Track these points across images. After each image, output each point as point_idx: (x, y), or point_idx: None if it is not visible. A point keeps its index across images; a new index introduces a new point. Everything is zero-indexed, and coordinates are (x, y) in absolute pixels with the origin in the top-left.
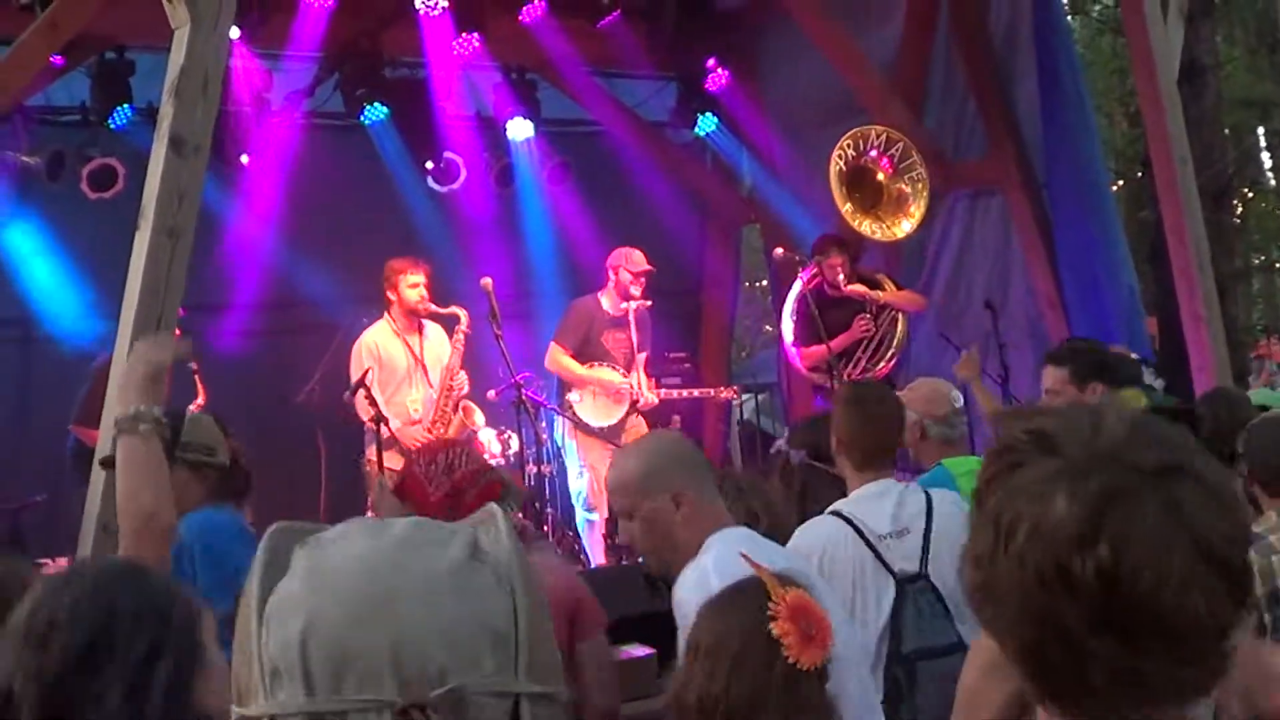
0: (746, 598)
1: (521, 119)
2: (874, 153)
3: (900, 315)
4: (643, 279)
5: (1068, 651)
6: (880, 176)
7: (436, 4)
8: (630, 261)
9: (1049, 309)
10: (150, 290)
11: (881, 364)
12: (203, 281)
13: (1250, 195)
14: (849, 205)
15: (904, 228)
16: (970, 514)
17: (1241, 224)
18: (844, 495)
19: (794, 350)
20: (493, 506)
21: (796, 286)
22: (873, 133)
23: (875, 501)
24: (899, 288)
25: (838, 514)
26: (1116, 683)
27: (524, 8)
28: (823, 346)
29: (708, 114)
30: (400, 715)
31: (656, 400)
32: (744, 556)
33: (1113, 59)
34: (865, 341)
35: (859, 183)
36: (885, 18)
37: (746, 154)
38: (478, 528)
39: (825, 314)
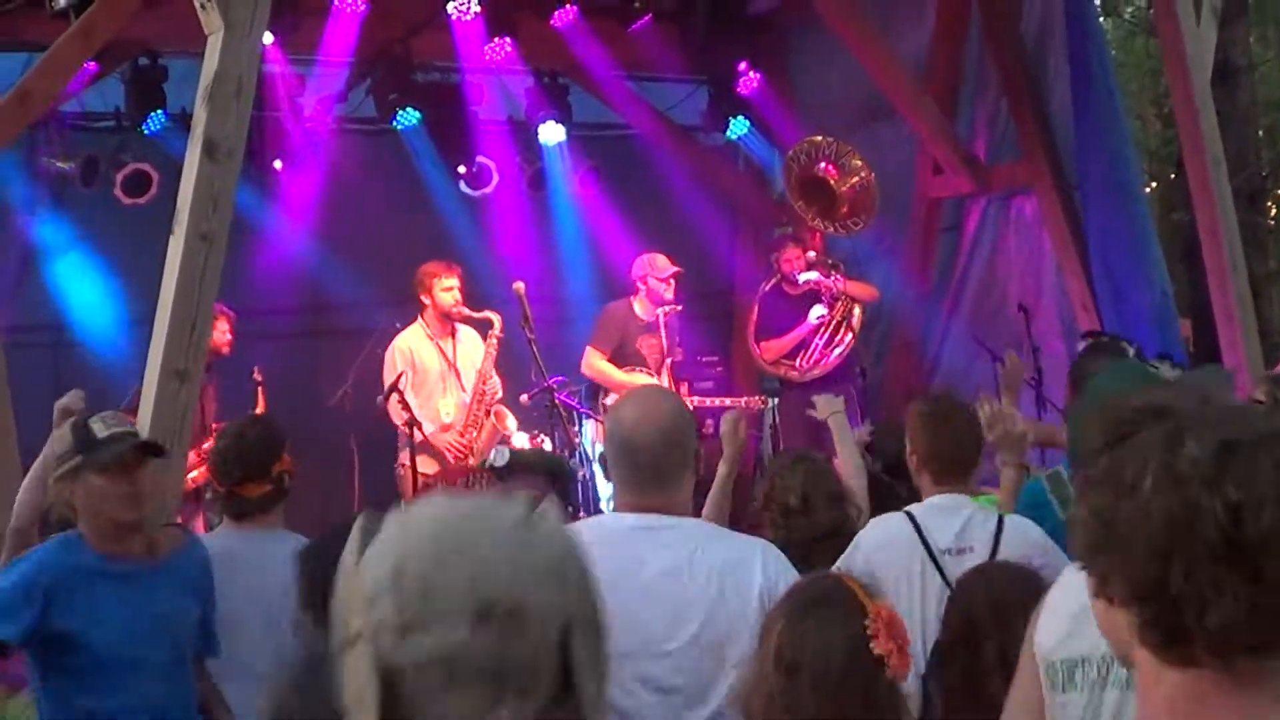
0: (836, 610)
1: (553, 123)
2: (823, 164)
3: (856, 304)
4: (672, 280)
5: (1192, 584)
6: (831, 183)
7: (468, 8)
8: (655, 268)
9: (1082, 311)
10: (184, 295)
11: (836, 352)
12: (236, 286)
13: None
14: (810, 210)
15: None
16: (1076, 484)
17: (1275, 225)
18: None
19: (755, 349)
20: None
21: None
22: (822, 142)
23: (943, 514)
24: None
25: (909, 514)
26: (1234, 616)
27: (556, 12)
28: (778, 340)
29: (739, 117)
30: (476, 622)
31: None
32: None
33: (1146, 60)
34: (821, 329)
35: (816, 191)
36: (917, 20)
37: (779, 157)
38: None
39: (784, 308)
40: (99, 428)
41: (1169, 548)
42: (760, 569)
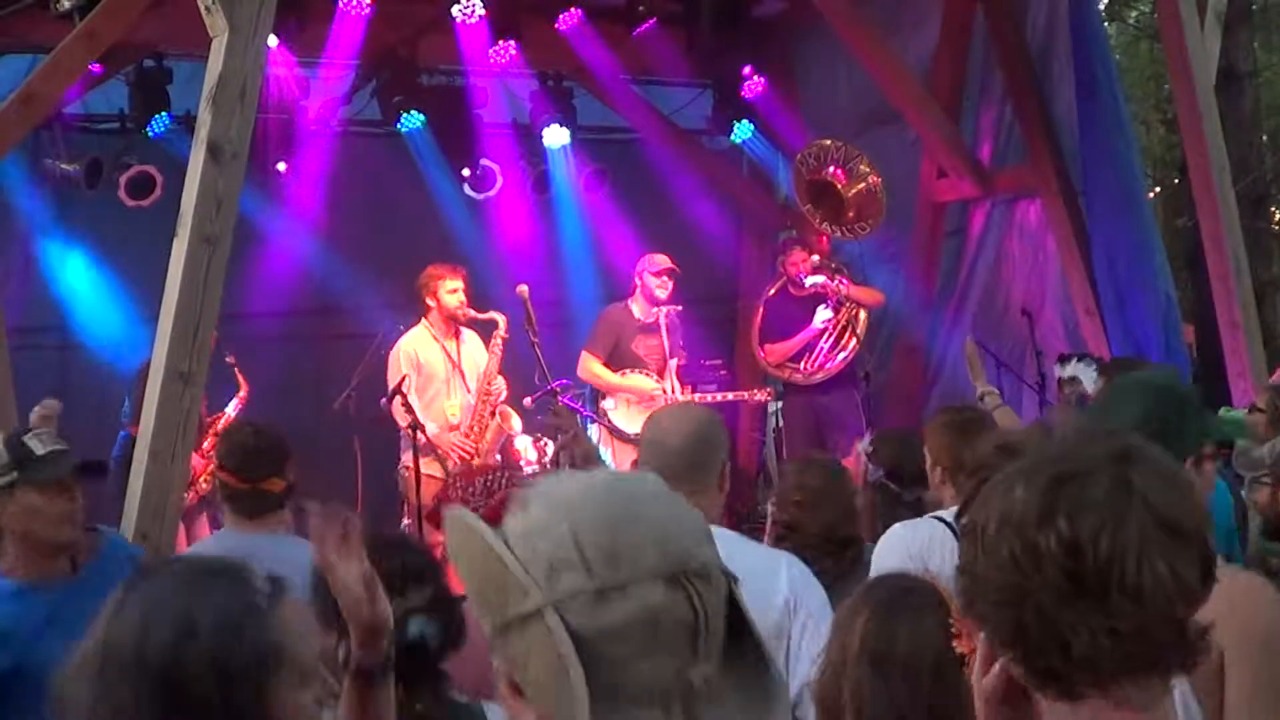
0: (923, 605)
1: (558, 126)
2: (831, 168)
3: (861, 308)
4: (667, 277)
5: (1047, 625)
6: (839, 187)
7: (473, 12)
8: (650, 263)
9: (1086, 316)
10: (188, 297)
11: (840, 356)
12: (240, 288)
13: None
14: (817, 213)
15: (866, 229)
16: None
17: (1279, 230)
18: (912, 515)
19: (759, 352)
20: None
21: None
22: (831, 145)
23: None
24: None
25: (941, 519)
26: (1096, 648)
27: (560, 15)
28: (783, 343)
29: (744, 121)
30: (669, 583)
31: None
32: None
33: (1150, 65)
34: (826, 333)
35: (824, 195)
36: (921, 24)
37: (782, 161)
38: None
39: (789, 312)
40: (36, 445)
41: (1018, 593)
42: (786, 580)
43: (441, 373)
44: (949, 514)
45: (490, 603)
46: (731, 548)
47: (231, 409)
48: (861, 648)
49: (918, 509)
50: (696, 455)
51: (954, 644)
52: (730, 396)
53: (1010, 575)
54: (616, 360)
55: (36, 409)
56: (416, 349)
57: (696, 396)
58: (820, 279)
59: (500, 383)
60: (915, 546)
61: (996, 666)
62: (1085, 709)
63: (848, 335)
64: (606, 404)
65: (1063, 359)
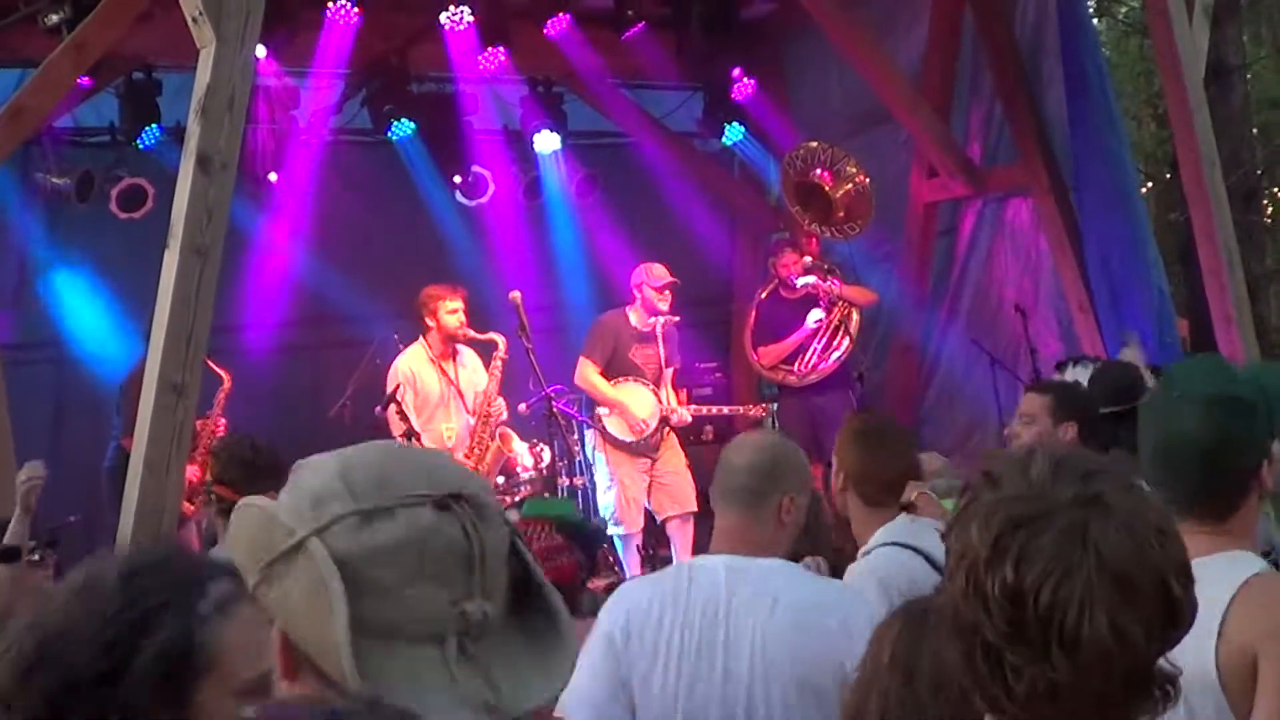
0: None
1: (548, 131)
2: (818, 170)
3: (854, 309)
4: (668, 291)
5: (990, 662)
6: (827, 189)
7: (461, 19)
8: (651, 276)
9: (1079, 312)
10: (180, 308)
11: (834, 356)
12: (232, 299)
13: None
14: (807, 215)
15: (856, 229)
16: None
17: (1271, 224)
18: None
19: (752, 354)
20: None
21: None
22: (818, 147)
23: (927, 533)
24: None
25: (904, 545)
26: (1035, 693)
27: (549, 20)
28: (777, 345)
29: (734, 123)
30: (439, 506)
31: (690, 419)
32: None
33: (1139, 61)
34: (819, 333)
35: (812, 196)
36: (910, 25)
37: (774, 162)
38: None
39: (782, 314)
40: None
41: (970, 628)
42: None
43: (437, 394)
44: (901, 537)
45: (255, 557)
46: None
47: (216, 407)
48: (892, 660)
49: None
50: (752, 482)
51: None
52: (726, 410)
53: (964, 609)
54: (613, 368)
55: (24, 470)
56: (413, 369)
57: (692, 408)
58: (812, 280)
59: (500, 404)
60: (892, 579)
61: None
62: None
63: (840, 336)
64: (601, 411)
65: (1059, 365)
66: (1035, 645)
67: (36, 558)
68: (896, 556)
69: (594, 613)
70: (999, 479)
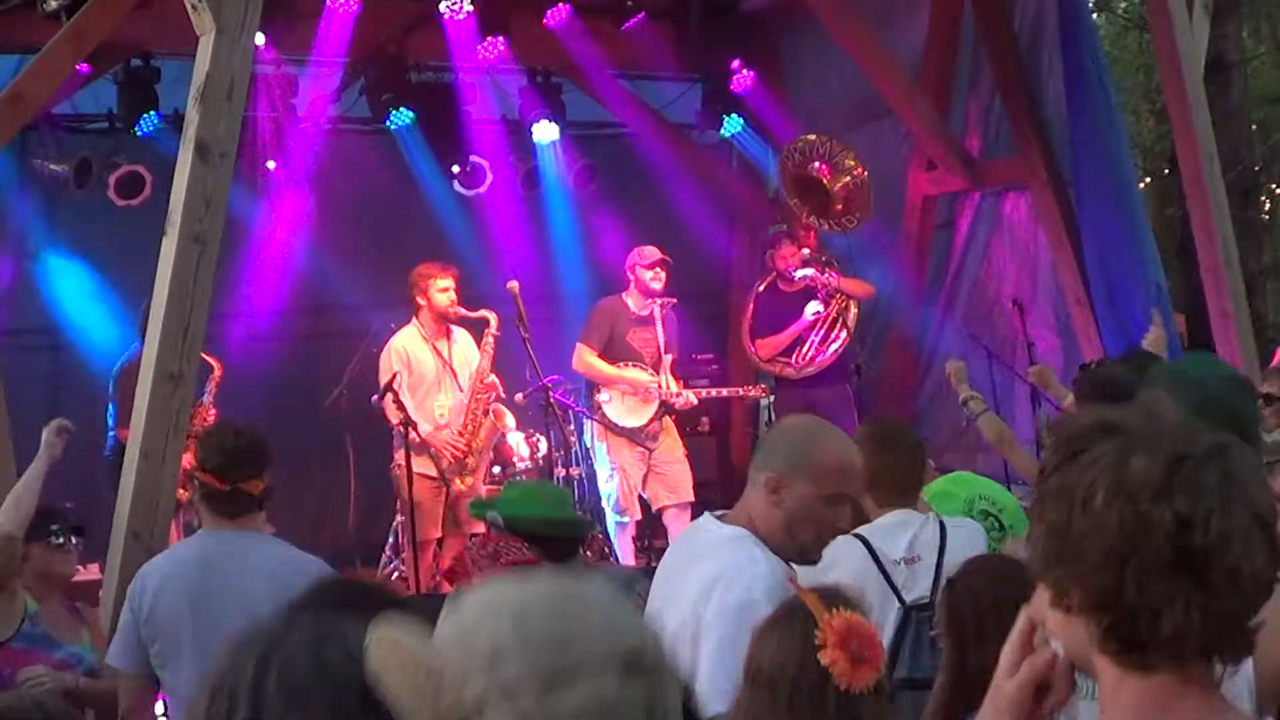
0: (797, 621)
1: (547, 122)
2: (816, 163)
3: (851, 301)
4: (659, 269)
5: (1144, 593)
6: (824, 182)
7: (461, 8)
8: (641, 256)
9: (1076, 307)
10: (178, 296)
11: (831, 348)
12: (230, 287)
13: (1278, 191)
14: (805, 207)
15: (854, 222)
16: (1032, 500)
17: (1269, 220)
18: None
19: (750, 346)
20: None
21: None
22: (816, 140)
23: (894, 529)
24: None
25: (857, 535)
26: (1186, 625)
27: (548, 11)
28: (774, 337)
29: (733, 115)
30: (624, 673)
31: (695, 400)
32: (791, 581)
33: (1138, 56)
34: (816, 326)
35: (810, 189)
36: (910, 18)
37: (772, 154)
38: None
39: (779, 306)
40: None
41: (1122, 559)
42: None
43: (432, 372)
44: (864, 528)
45: (423, 705)
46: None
47: (207, 396)
48: (747, 668)
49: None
50: (762, 449)
51: (818, 656)
52: (725, 393)
53: (1116, 540)
54: (611, 353)
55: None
56: (407, 348)
57: (690, 392)
58: (810, 271)
59: (493, 381)
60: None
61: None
62: (1156, 682)
63: (838, 328)
64: (601, 397)
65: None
66: (1196, 573)
67: (59, 541)
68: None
69: None
70: (1120, 426)
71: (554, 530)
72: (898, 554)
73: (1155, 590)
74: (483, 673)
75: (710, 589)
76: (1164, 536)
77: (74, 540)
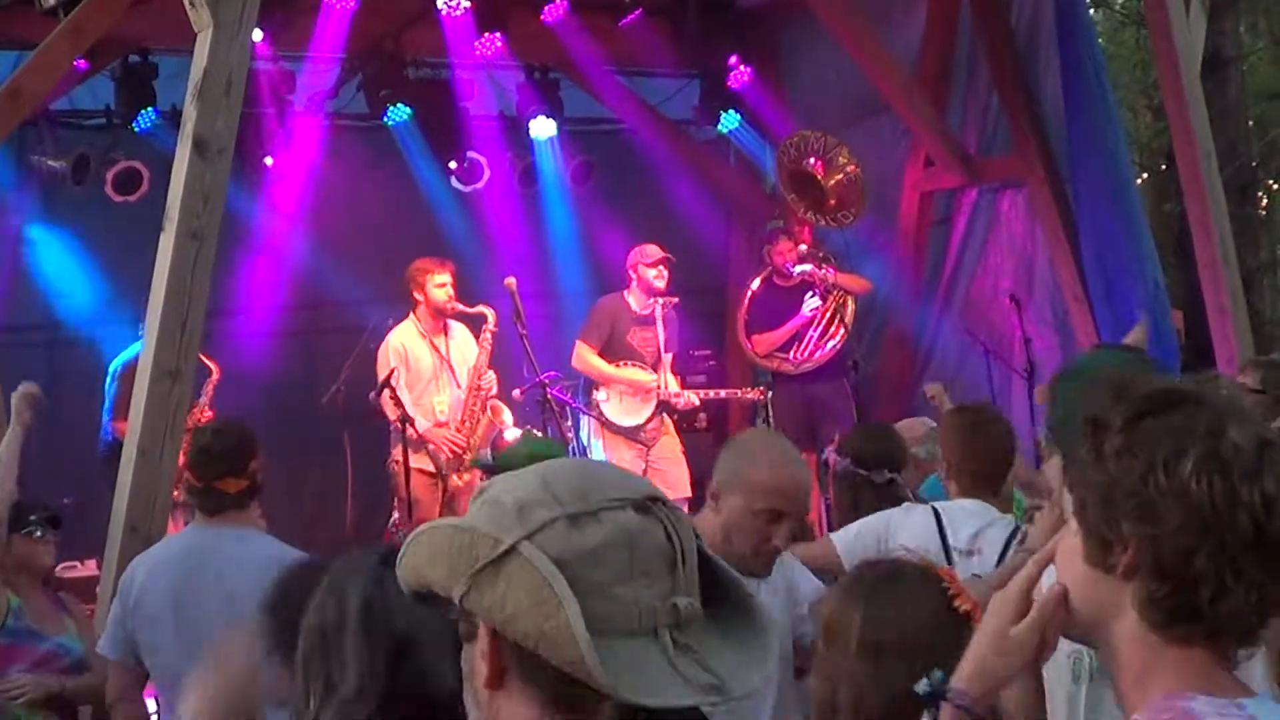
0: (916, 584)
1: (544, 118)
2: (811, 159)
3: (848, 297)
4: (663, 267)
5: (1215, 565)
6: (819, 178)
7: (458, 4)
8: (644, 254)
9: (1074, 303)
10: (175, 292)
11: (830, 344)
12: (227, 283)
13: (1275, 188)
14: (801, 202)
15: (849, 217)
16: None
17: (1266, 217)
18: (888, 500)
19: (746, 343)
20: None
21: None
22: (811, 136)
23: (966, 515)
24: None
25: (933, 507)
26: (1244, 604)
27: (546, 7)
28: (772, 333)
29: (731, 111)
30: (640, 509)
31: (698, 401)
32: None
33: (1136, 52)
34: (815, 321)
35: (806, 185)
36: (907, 15)
37: (770, 151)
38: None
39: (775, 302)
40: None
41: (1203, 531)
42: None
43: (429, 368)
44: (945, 505)
45: (458, 570)
46: None
47: (203, 399)
48: (860, 644)
49: (891, 490)
50: (716, 467)
51: (956, 603)
52: (723, 394)
53: (1198, 511)
54: (611, 351)
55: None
56: (405, 344)
57: (691, 393)
58: (808, 267)
59: (491, 377)
60: (882, 528)
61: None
62: (1195, 655)
63: (836, 324)
64: (599, 395)
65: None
66: (1270, 558)
67: (38, 533)
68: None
69: None
70: (1192, 394)
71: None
72: (961, 543)
73: (1226, 567)
74: (513, 522)
75: None
76: (1249, 516)
77: (52, 531)
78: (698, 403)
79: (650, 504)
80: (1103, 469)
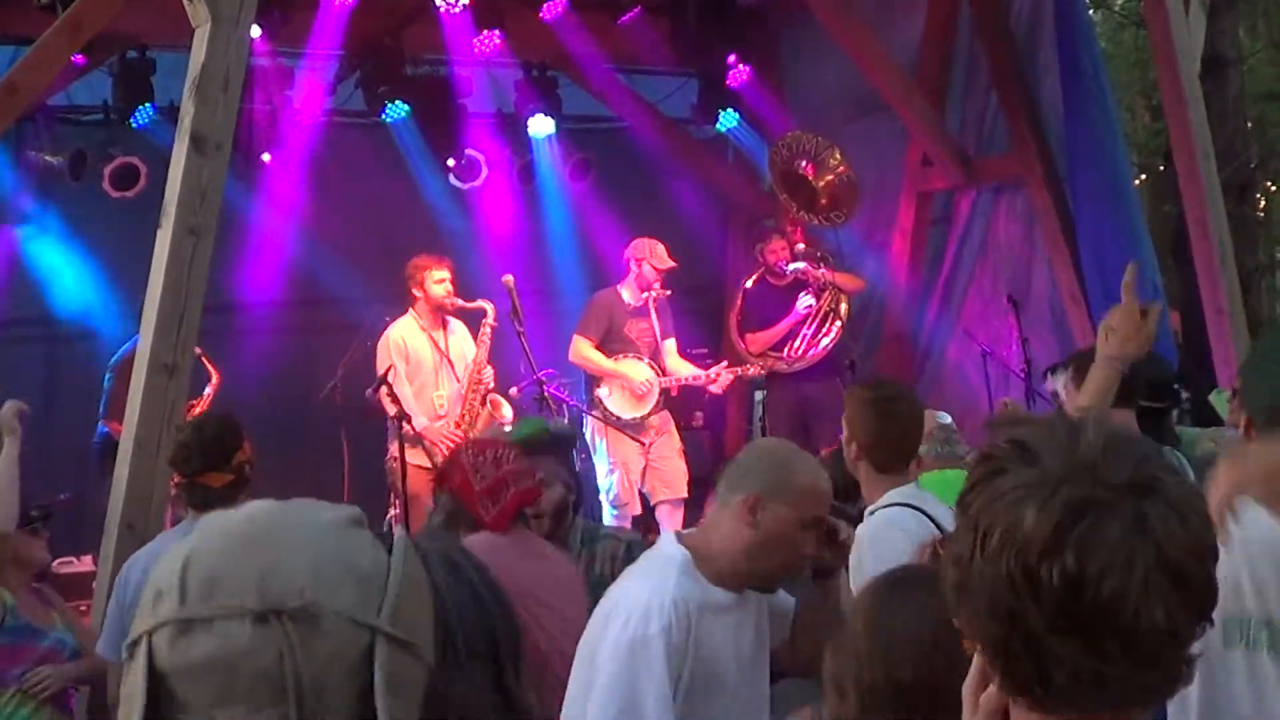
0: (922, 588)
1: (543, 116)
2: (802, 161)
3: (843, 295)
4: (668, 276)
5: (1031, 650)
6: (809, 179)
7: (457, 1)
8: (655, 256)
9: (1071, 304)
10: (172, 288)
11: (824, 342)
12: (225, 279)
13: (1274, 189)
14: (794, 202)
15: (841, 217)
16: (955, 517)
17: (1264, 218)
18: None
19: (739, 341)
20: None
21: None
22: (803, 137)
23: (934, 503)
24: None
25: (913, 507)
26: (1077, 682)
27: (545, 4)
28: (766, 331)
29: (729, 110)
30: (258, 621)
31: (730, 379)
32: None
33: (1135, 52)
34: (809, 319)
35: (798, 184)
36: (907, 14)
37: (768, 149)
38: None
39: (769, 300)
40: None
41: (1010, 614)
42: None
43: (429, 363)
44: (908, 498)
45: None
46: None
47: (203, 403)
48: (866, 627)
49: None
50: (736, 470)
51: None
52: (724, 370)
53: (1005, 593)
54: (608, 344)
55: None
56: (404, 339)
57: (688, 375)
58: (802, 265)
59: (490, 371)
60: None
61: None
62: None
63: (830, 322)
64: (601, 391)
65: (1052, 370)
66: (1087, 637)
67: (38, 528)
68: (903, 515)
69: (585, 549)
70: (1035, 450)
71: (531, 440)
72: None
73: (1041, 650)
74: (147, 608)
75: (608, 619)
76: (1051, 596)
77: (44, 526)
78: (730, 380)
79: (273, 617)
80: (950, 539)
